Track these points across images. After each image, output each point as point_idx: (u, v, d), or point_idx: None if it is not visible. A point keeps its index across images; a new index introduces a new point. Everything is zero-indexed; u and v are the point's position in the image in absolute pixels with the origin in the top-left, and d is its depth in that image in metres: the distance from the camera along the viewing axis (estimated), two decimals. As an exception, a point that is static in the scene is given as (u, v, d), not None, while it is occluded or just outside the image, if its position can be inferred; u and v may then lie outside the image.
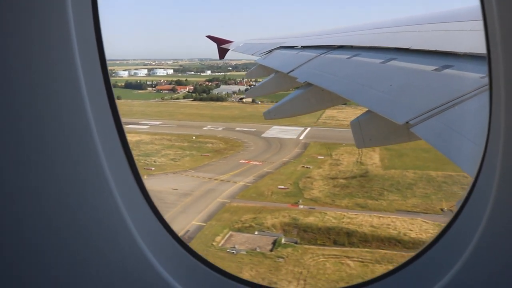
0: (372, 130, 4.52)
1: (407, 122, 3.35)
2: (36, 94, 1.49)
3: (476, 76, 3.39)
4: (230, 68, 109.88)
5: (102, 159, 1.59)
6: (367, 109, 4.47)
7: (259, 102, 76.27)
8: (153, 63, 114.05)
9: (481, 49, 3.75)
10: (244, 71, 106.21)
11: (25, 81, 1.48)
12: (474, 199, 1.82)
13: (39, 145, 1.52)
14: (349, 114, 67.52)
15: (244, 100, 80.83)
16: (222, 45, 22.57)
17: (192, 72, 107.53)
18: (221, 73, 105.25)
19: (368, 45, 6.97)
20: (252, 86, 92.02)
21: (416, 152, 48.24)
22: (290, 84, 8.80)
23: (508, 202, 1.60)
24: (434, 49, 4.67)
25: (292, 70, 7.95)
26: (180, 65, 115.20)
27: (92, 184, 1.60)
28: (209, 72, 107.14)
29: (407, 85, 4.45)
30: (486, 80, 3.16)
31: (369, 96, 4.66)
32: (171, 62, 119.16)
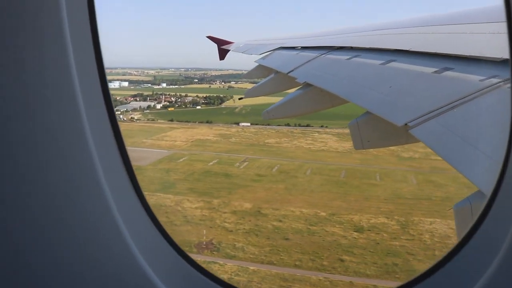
0: (370, 131, 4.51)
1: (406, 124, 3.35)
2: (28, 96, 1.45)
3: (476, 78, 3.39)
4: (197, 80, 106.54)
5: (96, 161, 1.54)
6: (366, 110, 4.46)
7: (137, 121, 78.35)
8: (135, 73, 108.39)
9: (482, 52, 3.75)
10: (206, 83, 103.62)
11: (18, 81, 1.43)
12: (502, 196, 1.73)
13: (31, 148, 1.47)
14: (192, 133, 69.11)
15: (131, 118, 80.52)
16: (222, 46, 22.46)
17: (149, 85, 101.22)
18: (176, 86, 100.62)
19: (368, 46, 6.97)
20: (167, 103, 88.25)
21: (188, 166, 51.50)
22: (290, 85, 8.78)
23: None
24: (434, 52, 4.66)
25: (292, 70, 7.93)
26: (154, 76, 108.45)
27: (85, 188, 1.55)
28: (164, 84, 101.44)
29: (406, 87, 4.45)
30: (486, 83, 3.16)
31: (368, 97, 4.65)
32: (153, 72, 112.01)
